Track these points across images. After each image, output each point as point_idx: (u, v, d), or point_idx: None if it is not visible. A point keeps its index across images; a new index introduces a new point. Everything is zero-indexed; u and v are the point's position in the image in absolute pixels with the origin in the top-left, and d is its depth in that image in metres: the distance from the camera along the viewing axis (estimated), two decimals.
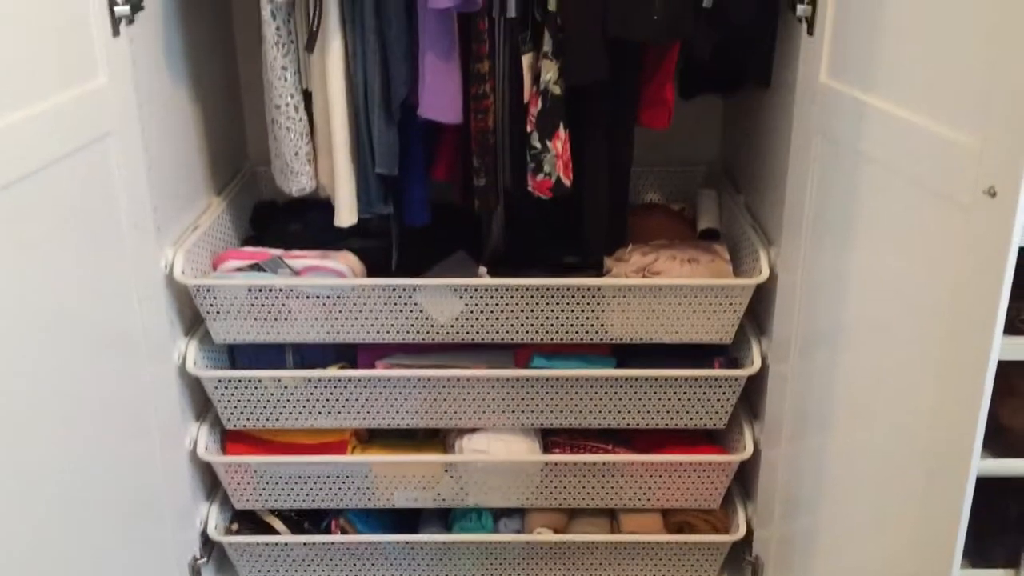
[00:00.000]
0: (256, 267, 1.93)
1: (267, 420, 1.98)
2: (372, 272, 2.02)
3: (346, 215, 1.90)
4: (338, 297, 1.88)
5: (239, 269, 1.93)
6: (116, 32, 1.58)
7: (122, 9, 1.59)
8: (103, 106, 1.55)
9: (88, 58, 1.52)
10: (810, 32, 1.59)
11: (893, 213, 1.39)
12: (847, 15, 1.50)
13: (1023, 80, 1.07)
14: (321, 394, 1.95)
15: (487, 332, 1.91)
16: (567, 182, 1.80)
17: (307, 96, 1.88)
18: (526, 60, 1.77)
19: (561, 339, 1.92)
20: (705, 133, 2.41)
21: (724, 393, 1.95)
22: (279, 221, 2.26)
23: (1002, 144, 1.12)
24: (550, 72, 1.74)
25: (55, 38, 1.42)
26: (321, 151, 1.91)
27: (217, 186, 2.16)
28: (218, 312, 1.88)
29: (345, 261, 1.99)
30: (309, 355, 2.00)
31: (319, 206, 2.08)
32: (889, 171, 1.38)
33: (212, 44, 2.14)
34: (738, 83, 2.06)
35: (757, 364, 1.90)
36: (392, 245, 2.08)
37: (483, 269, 1.93)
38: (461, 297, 1.87)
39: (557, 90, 1.75)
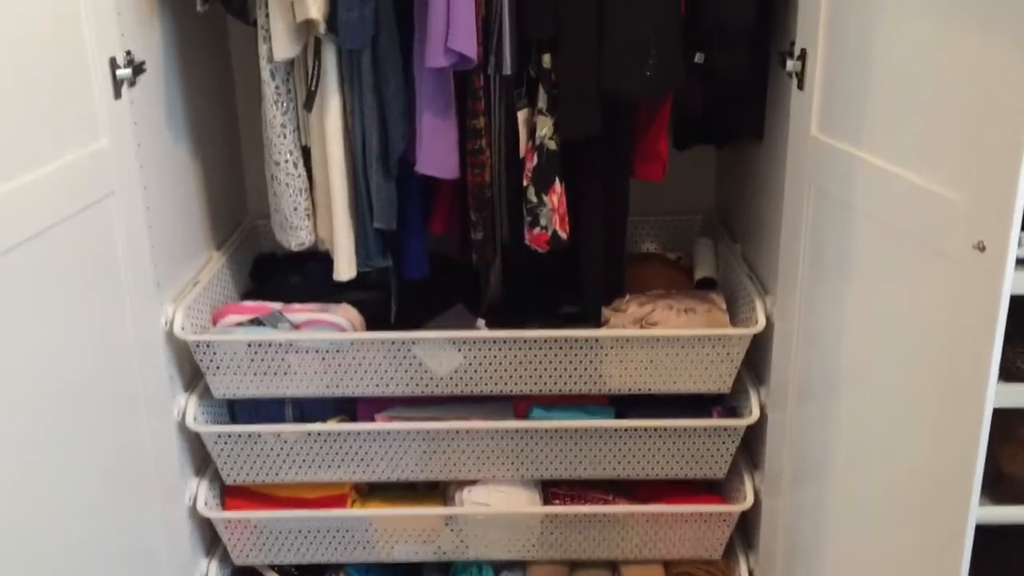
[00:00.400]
0: (256, 321, 1.94)
1: (267, 475, 1.98)
2: (371, 324, 2.04)
3: (345, 269, 1.91)
4: (337, 351, 1.89)
5: (239, 324, 1.94)
6: (118, 94, 1.61)
7: (124, 72, 1.62)
8: (104, 168, 1.57)
9: (90, 121, 1.54)
10: (800, 87, 1.62)
11: (886, 265, 1.40)
12: (836, 71, 1.52)
13: (1008, 136, 1.09)
14: (321, 448, 1.95)
15: (486, 384, 1.92)
16: (564, 235, 1.82)
17: (306, 152, 1.91)
18: (521, 115, 1.80)
19: (560, 390, 1.93)
20: (700, 181, 2.43)
21: (723, 442, 1.95)
22: (279, 274, 2.27)
23: (989, 200, 1.14)
24: (545, 127, 1.77)
25: (57, 102, 1.45)
26: (320, 206, 1.93)
27: (217, 240, 2.18)
28: (218, 367, 1.89)
29: (344, 314, 2.00)
30: (309, 408, 2.01)
31: (318, 258, 2.10)
32: (880, 224, 1.40)
33: (213, 100, 2.18)
34: (731, 135, 2.09)
35: (756, 414, 1.90)
36: (391, 297, 2.10)
37: (481, 322, 1.94)
38: (460, 350, 1.87)
39: (552, 145, 1.78)
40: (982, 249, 1.15)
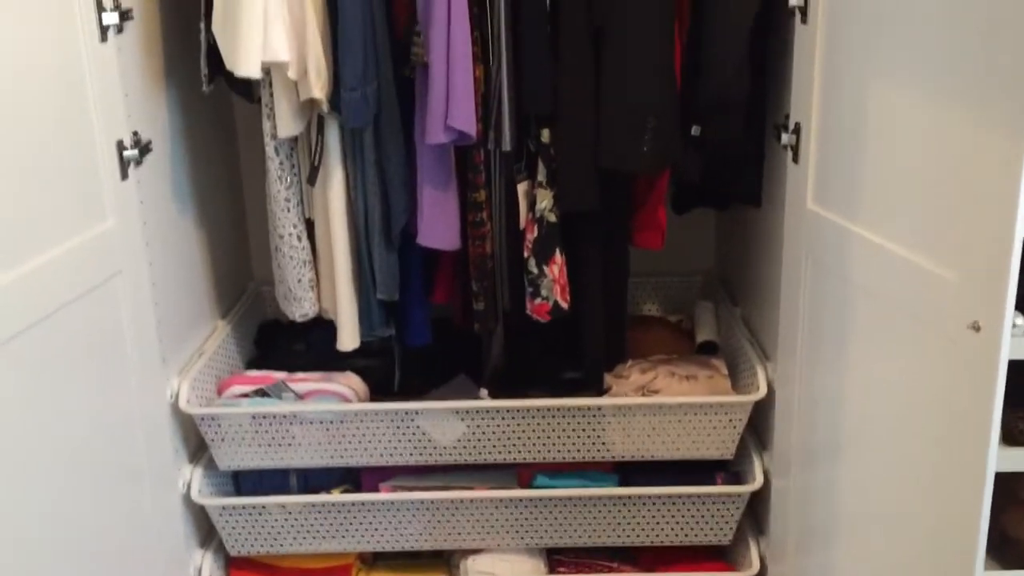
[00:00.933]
0: (260, 392, 1.96)
1: (272, 546, 1.98)
2: (375, 391, 2.05)
3: (348, 340, 1.93)
4: (341, 422, 1.90)
5: (244, 395, 1.95)
6: (124, 175, 1.64)
7: (131, 153, 1.65)
8: (111, 248, 1.59)
9: (96, 202, 1.57)
10: (795, 160, 1.64)
11: (883, 338, 1.42)
12: (830, 146, 1.54)
13: (1001, 218, 1.11)
14: (325, 518, 1.95)
15: (490, 453, 1.92)
16: (564, 305, 1.84)
17: (309, 224, 1.94)
18: (521, 188, 1.83)
19: (563, 458, 1.93)
20: (700, 241, 2.45)
21: (728, 509, 1.95)
22: (283, 341, 2.29)
23: (983, 280, 1.15)
24: (545, 200, 1.80)
25: (65, 187, 1.48)
26: (323, 277, 1.95)
27: (222, 308, 2.20)
28: (223, 439, 1.90)
29: (348, 383, 2.01)
30: (313, 478, 2.01)
31: (322, 325, 2.10)
32: (876, 299, 1.42)
33: (218, 173, 2.21)
34: (730, 201, 2.11)
35: (759, 480, 1.90)
36: (395, 363, 2.11)
37: (484, 391, 1.95)
38: (463, 420, 1.88)
39: (552, 217, 1.80)
40: (977, 330, 1.17)
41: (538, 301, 1.83)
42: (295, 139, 1.86)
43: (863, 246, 1.44)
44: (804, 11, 1.56)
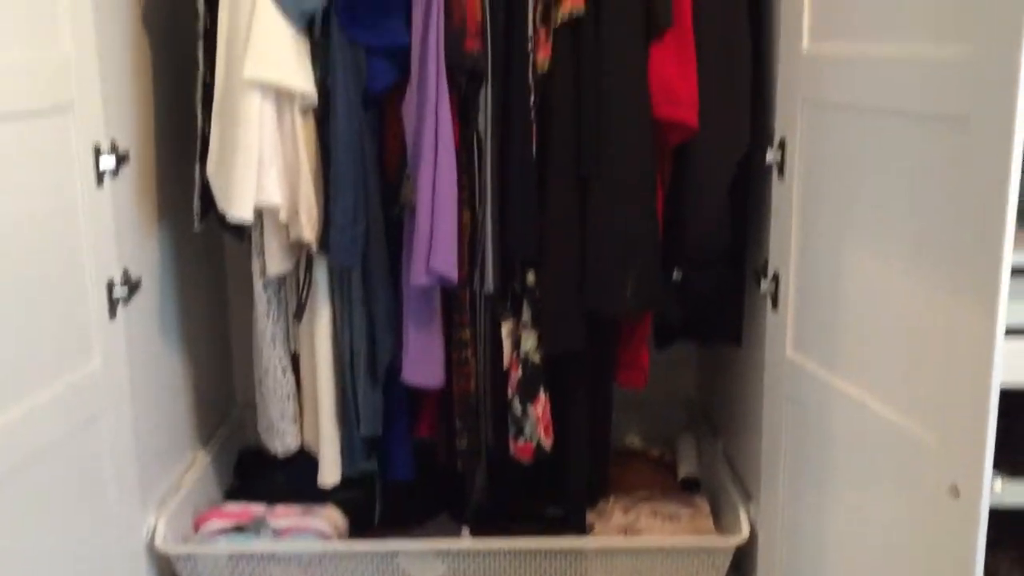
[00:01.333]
0: (238, 528, 1.93)
1: None
2: (355, 524, 2.02)
3: (329, 475, 1.92)
4: (320, 561, 1.87)
5: (221, 530, 1.92)
6: (113, 314, 1.65)
7: (120, 291, 1.67)
8: (96, 389, 1.59)
9: (84, 343, 1.58)
10: (775, 307, 1.68)
11: (864, 491, 1.43)
12: (809, 296, 1.58)
13: (977, 381, 1.14)
14: None
15: None
16: (548, 445, 1.84)
17: (295, 358, 1.95)
18: (506, 328, 1.85)
19: None
20: (682, 369, 2.47)
21: None
22: (264, 471, 2.25)
23: (961, 443, 1.17)
24: (530, 341, 1.82)
25: (54, 329, 1.49)
26: (307, 410, 1.95)
27: (204, 435, 2.19)
28: None
29: (328, 518, 1.99)
30: None
31: (304, 455, 2.09)
32: (856, 454, 1.43)
33: (206, 306, 2.22)
34: (710, 338, 2.14)
35: None
36: (375, 495, 2.09)
37: (466, 530, 1.94)
38: (443, 561, 1.86)
39: (537, 358, 1.82)
40: (956, 495, 1.18)
41: (522, 442, 1.83)
42: (283, 276, 1.88)
43: (843, 400, 1.46)
44: (781, 167, 1.62)
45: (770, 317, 1.71)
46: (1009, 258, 1.12)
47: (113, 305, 1.65)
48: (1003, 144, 1.09)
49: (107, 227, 1.63)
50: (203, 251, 2.20)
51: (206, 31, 1.76)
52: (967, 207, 1.16)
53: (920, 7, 1.25)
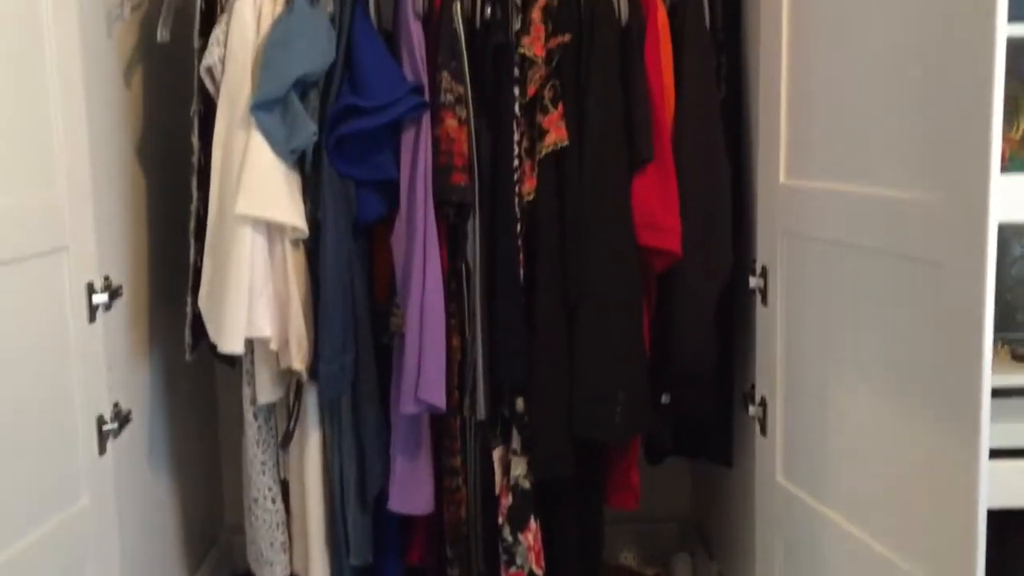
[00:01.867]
0: None
1: None
2: None
3: None
4: None
5: None
6: (102, 450, 1.63)
7: (110, 426, 1.66)
8: (84, 528, 1.57)
9: (72, 481, 1.55)
10: (763, 432, 1.68)
11: None
12: (796, 423, 1.59)
13: (966, 506, 1.14)
14: None
15: None
16: (539, 573, 1.82)
17: (284, 484, 1.94)
18: (496, 454, 1.85)
19: None
20: (676, 485, 2.45)
21: None
22: None
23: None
24: (520, 468, 1.82)
25: (41, 470, 1.47)
26: (296, 537, 1.94)
27: (192, 563, 2.16)
28: None
29: None
30: None
31: None
32: None
33: (196, 435, 2.22)
34: (701, 456, 2.14)
35: None
36: None
37: None
38: None
39: (527, 484, 1.82)
40: None
41: (513, 570, 1.81)
42: (274, 403, 1.89)
43: (833, 531, 1.45)
44: (764, 294, 1.65)
45: (759, 442, 1.71)
46: (988, 393, 1.13)
47: (103, 440, 1.64)
48: (977, 289, 1.12)
49: (98, 363, 1.63)
50: (194, 378, 2.20)
51: (200, 165, 1.81)
52: (944, 342, 1.18)
53: (891, 153, 1.29)
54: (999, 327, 1.29)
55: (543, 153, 1.75)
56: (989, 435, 1.14)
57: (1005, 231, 1.59)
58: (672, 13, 1.80)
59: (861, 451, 1.40)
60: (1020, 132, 1.73)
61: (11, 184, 1.40)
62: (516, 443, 1.82)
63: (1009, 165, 1.67)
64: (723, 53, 1.85)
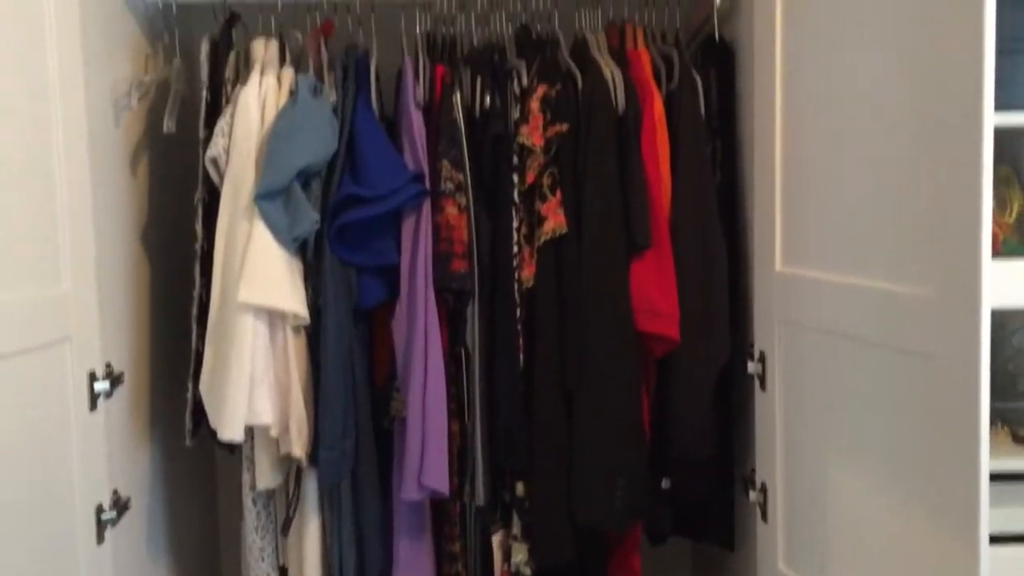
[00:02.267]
0: None
1: None
2: None
3: None
4: None
5: None
6: (100, 539, 1.63)
7: (109, 515, 1.65)
8: None
9: (70, 570, 1.55)
10: (764, 518, 1.67)
11: None
12: (798, 511, 1.58)
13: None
14: None
15: None
16: None
17: (283, 571, 1.92)
18: (496, 539, 1.84)
19: None
20: (677, 566, 2.43)
21: None
22: None
23: None
24: (520, 554, 1.81)
25: (39, 558, 1.46)
26: None
27: None
28: None
29: None
30: None
31: None
32: None
33: (195, 521, 2.21)
34: (702, 538, 2.12)
35: None
36: None
37: None
38: None
39: (528, 571, 1.81)
40: None
41: None
42: (273, 489, 1.88)
43: None
44: (762, 379, 1.65)
45: (760, 528, 1.70)
46: (986, 485, 1.14)
47: (101, 529, 1.64)
48: (971, 381, 1.13)
49: (98, 451, 1.63)
50: (194, 464, 2.20)
51: (203, 252, 1.83)
52: (939, 433, 1.19)
53: (882, 244, 1.31)
54: (999, 397, 1.29)
55: (542, 240, 1.77)
56: (989, 521, 1.14)
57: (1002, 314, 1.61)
58: (668, 102, 1.83)
59: (862, 539, 1.39)
60: (1013, 216, 1.76)
61: (17, 278, 1.42)
62: (516, 528, 1.81)
63: (1003, 248, 1.68)
64: (718, 139, 1.88)
